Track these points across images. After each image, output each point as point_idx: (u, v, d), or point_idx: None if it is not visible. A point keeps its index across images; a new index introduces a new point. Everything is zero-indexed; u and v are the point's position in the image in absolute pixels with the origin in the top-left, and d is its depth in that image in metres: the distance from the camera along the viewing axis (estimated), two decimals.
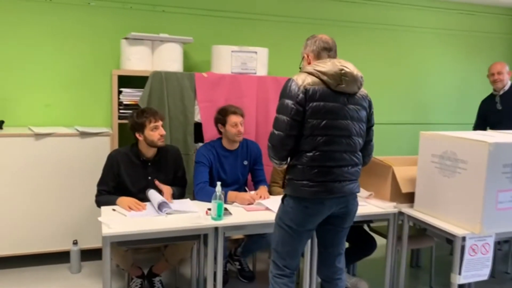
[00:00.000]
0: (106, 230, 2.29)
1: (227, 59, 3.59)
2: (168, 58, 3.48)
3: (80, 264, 3.31)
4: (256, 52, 3.66)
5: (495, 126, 3.79)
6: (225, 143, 3.11)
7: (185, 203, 2.77)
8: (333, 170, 2.15)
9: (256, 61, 3.66)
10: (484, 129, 4.03)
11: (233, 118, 3.02)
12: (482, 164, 2.36)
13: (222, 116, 3.06)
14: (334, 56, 2.27)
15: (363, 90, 2.26)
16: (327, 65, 2.14)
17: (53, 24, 3.51)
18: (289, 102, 2.12)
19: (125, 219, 2.48)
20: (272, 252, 2.36)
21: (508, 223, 2.49)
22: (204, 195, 2.85)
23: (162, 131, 2.82)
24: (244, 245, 3.25)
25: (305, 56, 2.31)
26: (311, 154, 2.13)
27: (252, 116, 3.63)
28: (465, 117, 4.97)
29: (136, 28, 3.56)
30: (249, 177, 3.28)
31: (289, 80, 2.18)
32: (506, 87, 3.95)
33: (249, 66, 3.66)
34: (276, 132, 2.16)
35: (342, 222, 2.34)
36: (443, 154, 2.61)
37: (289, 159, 2.23)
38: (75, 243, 3.28)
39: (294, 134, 2.13)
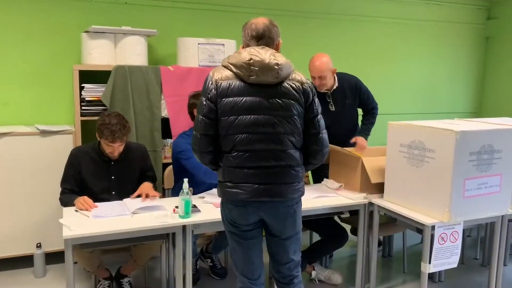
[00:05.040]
0: (67, 233, 2.19)
1: (193, 52, 3.50)
2: (131, 52, 3.36)
3: (44, 268, 3.18)
4: (223, 44, 3.58)
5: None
6: None
7: (156, 202, 2.68)
8: (254, 172, 1.95)
9: (224, 53, 3.58)
10: None
11: None
12: (449, 152, 2.36)
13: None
14: (269, 45, 2.00)
15: (297, 78, 2.00)
16: (238, 56, 1.95)
17: (9, 17, 3.34)
18: (203, 99, 1.97)
19: (88, 220, 2.38)
20: None
21: (476, 210, 2.51)
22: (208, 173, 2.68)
23: (116, 152, 2.68)
24: (215, 242, 3.19)
25: (240, 49, 2.04)
26: (230, 154, 1.97)
27: None
28: (432, 106, 5.04)
29: (98, 21, 3.42)
30: None
31: (208, 74, 2.00)
32: (335, 85, 3.20)
33: (217, 59, 3.58)
34: (194, 133, 2.01)
35: (277, 232, 2.08)
36: (411, 143, 2.60)
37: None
38: (38, 246, 3.15)
39: (211, 134, 1.97)
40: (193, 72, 3.45)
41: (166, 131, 3.42)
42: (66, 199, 2.66)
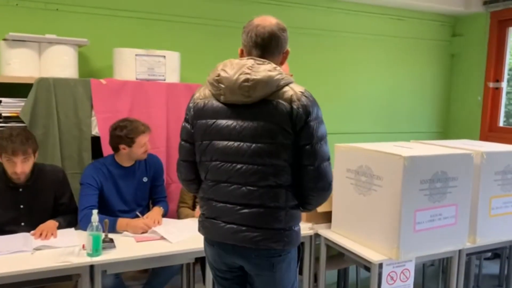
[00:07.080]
0: None
1: (131, 64, 3.17)
2: (58, 63, 3.01)
3: None
4: (164, 56, 3.27)
5: None
6: (119, 159, 2.70)
7: (68, 235, 2.33)
8: (221, 207, 1.66)
9: (165, 66, 3.28)
10: None
11: (142, 139, 2.64)
12: (397, 180, 2.09)
13: (130, 137, 2.60)
14: (274, 56, 1.67)
15: (285, 96, 1.57)
16: (214, 71, 1.68)
17: None
18: (183, 121, 1.78)
19: None
20: None
21: (429, 245, 2.24)
22: (83, 221, 2.42)
23: (19, 168, 2.31)
24: (147, 284, 2.74)
25: (239, 52, 1.73)
26: (204, 183, 1.74)
27: (162, 128, 3.24)
28: (395, 125, 4.80)
29: (24, 29, 3.06)
30: None
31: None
32: None
33: (157, 72, 3.26)
34: (178, 159, 1.83)
35: (256, 283, 1.71)
36: (358, 169, 2.32)
37: None
38: None
39: (191, 160, 1.75)
40: (129, 86, 3.12)
41: (96, 151, 3.06)
42: None
